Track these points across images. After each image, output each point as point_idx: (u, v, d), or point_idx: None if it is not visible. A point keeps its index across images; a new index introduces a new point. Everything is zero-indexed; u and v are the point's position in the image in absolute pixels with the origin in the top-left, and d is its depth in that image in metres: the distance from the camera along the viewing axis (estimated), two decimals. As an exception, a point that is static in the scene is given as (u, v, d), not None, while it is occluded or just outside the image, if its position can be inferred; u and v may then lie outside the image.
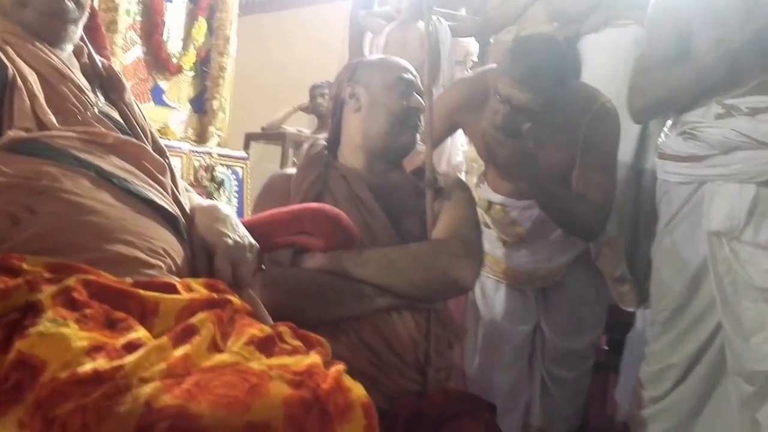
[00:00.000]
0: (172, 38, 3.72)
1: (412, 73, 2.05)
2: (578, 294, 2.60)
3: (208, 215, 1.49)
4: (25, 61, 1.39)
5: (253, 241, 1.50)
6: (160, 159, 1.49)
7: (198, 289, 1.25)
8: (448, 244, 1.90)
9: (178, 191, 1.50)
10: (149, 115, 1.66)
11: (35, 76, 1.39)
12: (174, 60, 3.70)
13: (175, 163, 1.58)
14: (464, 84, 2.65)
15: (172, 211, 1.41)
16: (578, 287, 2.60)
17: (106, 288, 1.12)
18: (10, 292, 1.05)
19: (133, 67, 3.50)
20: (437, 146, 2.56)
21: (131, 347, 1.02)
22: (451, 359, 2.01)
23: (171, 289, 1.21)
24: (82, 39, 1.58)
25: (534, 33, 2.80)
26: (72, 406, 0.91)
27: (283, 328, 1.26)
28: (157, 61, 3.63)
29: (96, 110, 1.46)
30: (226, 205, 1.58)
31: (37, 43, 1.44)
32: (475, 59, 4.19)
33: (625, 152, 2.60)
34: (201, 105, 3.84)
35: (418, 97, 2.03)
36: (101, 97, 1.52)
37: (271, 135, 5.63)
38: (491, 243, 2.56)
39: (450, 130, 2.62)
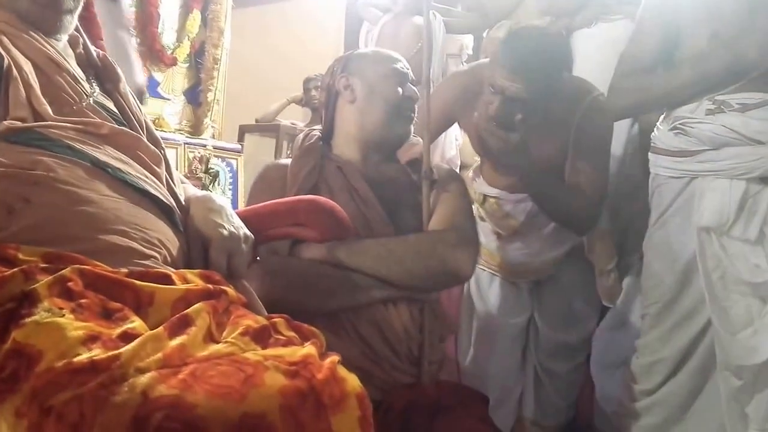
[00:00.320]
0: (167, 30, 3.70)
1: (405, 65, 2.06)
2: (572, 287, 2.62)
3: (203, 206, 1.49)
4: (20, 51, 1.39)
5: (248, 233, 1.50)
6: (155, 150, 1.49)
7: (193, 279, 1.25)
8: (445, 234, 1.91)
9: (173, 182, 1.50)
10: (143, 106, 1.65)
11: (30, 66, 1.38)
12: (168, 52, 3.69)
13: (170, 154, 1.58)
14: (459, 77, 2.66)
15: (168, 202, 1.41)
16: (572, 281, 2.61)
17: (101, 278, 1.12)
18: (6, 281, 1.05)
19: (127, 58, 3.48)
20: (434, 140, 2.57)
21: (127, 337, 1.02)
22: (443, 352, 2.02)
23: (166, 279, 1.21)
24: (77, 29, 1.58)
25: (527, 26, 2.81)
26: (68, 396, 0.91)
27: (278, 320, 1.26)
28: (152, 52, 3.61)
29: (91, 100, 1.46)
30: (220, 196, 1.57)
31: (33, 33, 1.44)
32: (470, 52, 4.19)
33: (617, 146, 2.61)
34: (195, 97, 3.82)
35: (413, 86, 2.03)
36: (96, 88, 1.52)
37: (266, 127, 5.61)
38: (486, 236, 2.57)
39: (446, 124, 2.63)
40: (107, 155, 1.36)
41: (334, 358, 1.14)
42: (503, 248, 2.60)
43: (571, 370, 2.65)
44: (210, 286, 1.25)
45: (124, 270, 1.19)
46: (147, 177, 1.41)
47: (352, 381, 1.11)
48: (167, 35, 3.70)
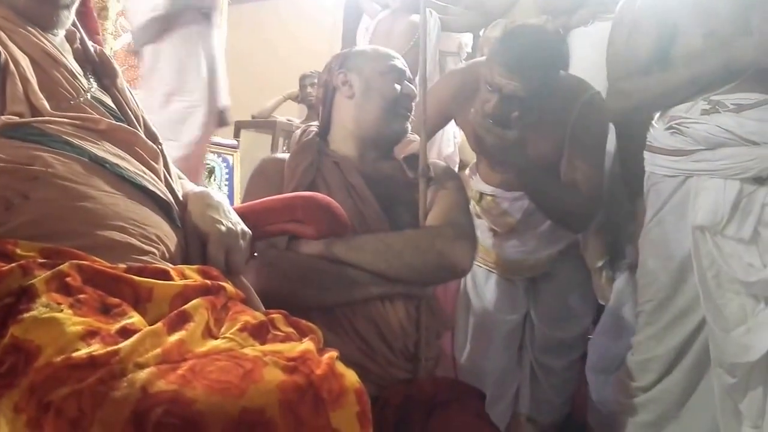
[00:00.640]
0: (163, 26, 3.68)
1: (402, 62, 2.07)
2: (567, 284, 2.63)
3: (200, 202, 1.49)
4: (17, 46, 1.38)
5: (246, 228, 1.50)
6: (153, 145, 1.48)
7: (192, 275, 1.25)
8: (443, 229, 1.92)
9: (170, 178, 1.50)
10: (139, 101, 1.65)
11: (28, 60, 1.38)
12: (164, 47, 3.67)
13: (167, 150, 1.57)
14: (456, 75, 2.66)
15: (165, 198, 1.41)
16: (567, 278, 2.62)
17: (99, 273, 1.12)
18: (4, 276, 1.05)
19: (124, 53, 3.48)
20: (431, 137, 2.57)
21: (126, 333, 1.02)
22: (439, 348, 2.02)
23: (164, 275, 1.21)
24: (74, 24, 1.57)
25: (523, 24, 2.81)
26: (67, 391, 0.91)
27: (276, 315, 1.26)
28: (147, 48, 3.60)
29: (89, 96, 1.45)
30: (218, 191, 1.57)
31: (30, 28, 1.43)
32: (469, 50, 4.18)
33: (610, 143, 2.61)
34: (191, 92, 3.81)
35: (410, 84, 2.03)
36: (94, 83, 1.51)
37: (262, 123, 5.61)
38: (482, 233, 2.57)
39: (442, 122, 2.63)
40: (105, 151, 1.36)
41: (333, 353, 1.14)
42: (499, 245, 2.61)
43: (566, 367, 2.67)
44: (208, 281, 1.25)
45: (123, 265, 1.19)
46: (145, 173, 1.40)
47: (351, 376, 1.11)
48: (164, 31, 3.69)
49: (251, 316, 1.20)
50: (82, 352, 0.95)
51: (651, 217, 2.18)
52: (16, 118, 1.29)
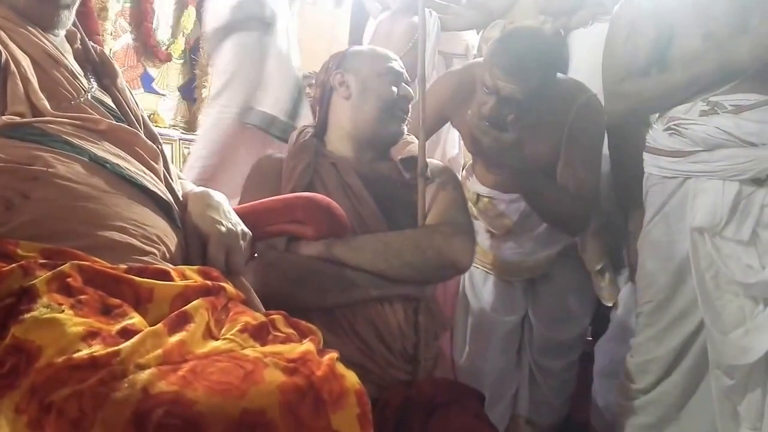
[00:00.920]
0: (162, 26, 3.71)
1: (400, 64, 2.07)
2: (565, 286, 2.63)
3: (200, 202, 1.49)
4: (18, 46, 1.38)
5: (246, 229, 1.50)
6: (153, 145, 1.48)
7: (192, 276, 1.25)
8: (441, 226, 1.92)
9: (170, 178, 1.50)
10: (139, 101, 1.65)
11: (28, 60, 1.38)
12: (163, 48, 3.69)
13: (165, 150, 1.57)
14: (452, 76, 2.66)
15: (166, 198, 1.41)
16: (566, 279, 2.62)
17: (100, 274, 1.12)
18: (5, 276, 1.04)
19: (123, 53, 3.49)
20: (428, 138, 2.57)
21: (126, 333, 1.02)
22: (438, 349, 2.02)
23: (165, 275, 1.21)
24: (74, 24, 1.57)
25: (521, 26, 2.81)
26: (68, 392, 0.91)
27: (276, 316, 1.26)
28: (147, 48, 3.62)
29: (89, 96, 1.45)
30: (218, 192, 1.57)
31: (30, 28, 1.43)
32: (476, 52, 4.18)
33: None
34: (190, 92, 3.84)
35: (407, 86, 2.03)
36: (94, 83, 1.51)
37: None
38: (479, 234, 2.57)
39: (439, 123, 2.63)
40: (105, 151, 1.36)
41: (333, 354, 1.14)
42: (496, 247, 2.61)
43: (565, 368, 2.66)
44: (208, 282, 1.25)
45: (123, 266, 1.19)
46: (145, 173, 1.40)
47: (351, 378, 1.11)
48: (162, 31, 3.71)
49: (251, 317, 1.20)
50: (83, 352, 0.95)
51: (650, 218, 2.18)
52: (17, 118, 1.29)
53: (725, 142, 1.98)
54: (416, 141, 2.07)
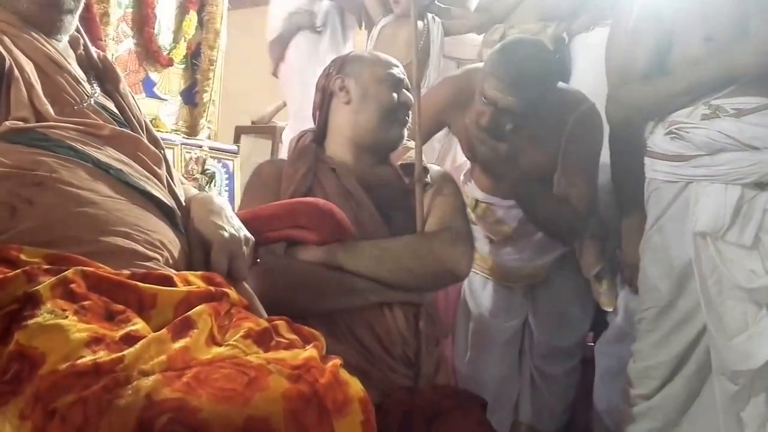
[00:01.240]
0: (163, 31, 3.69)
1: (401, 70, 2.06)
2: (565, 291, 2.62)
3: (203, 207, 1.49)
4: (21, 51, 1.39)
5: (249, 234, 1.50)
6: (156, 150, 1.48)
7: (195, 282, 1.25)
8: (440, 233, 1.92)
9: (173, 183, 1.50)
10: (141, 106, 1.65)
11: (32, 66, 1.38)
12: (165, 52, 3.68)
13: (167, 155, 1.57)
14: (450, 82, 2.65)
15: (169, 203, 1.41)
16: (565, 285, 2.62)
17: (104, 280, 1.12)
18: (8, 282, 1.04)
19: (125, 58, 3.48)
20: (425, 143, 2.57)
21: (130, 339, 1.02)
22: (439, 355, 2.02)
23: (168, 281, 1.21)
24: (77, 30, 1.57)
25: (521, 36, 2.81)
26: (72, 399, 0.91)
27: (279, 322, 1.26)
28: (148, 53, 3.60)
29: (92, 101, 1.46)
30: (220, 196, 1.57)
31: (34, 34, 1.44)
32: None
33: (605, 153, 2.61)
34: (191, 97, 3.81)
35: (408, 93, 2.03)
36: (97, 88, 1.52)
37: (261, 129, 5.60)
38: (478, 240, 2.57)
39: (436, 128, 2.63)
40: (109, 156, 1.36)
41: (336, 361, 1.14)
42: (495, 253, 2.61)
43: (565, 373, 2.66)
44: (212, 288, 1.25)
45: (127, 272, 1.19)
46: (148, 178, 1.40)
47: (355, 385, 1.11)
48: (164, 36, 3.69)
49: (254, 323, 1.20)
50: (87, 359, 0.95)
51: (652, 223, 2.17)
52: (21, 123, 1.29)
53: (727, 146, 1.98)
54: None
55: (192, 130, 3.77)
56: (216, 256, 1.41)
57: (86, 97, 1.45)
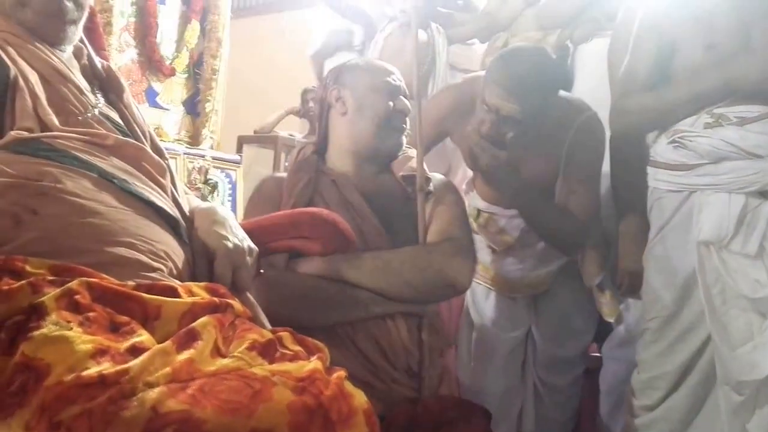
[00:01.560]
0: (166, 40, 3.70)
1: (397, 77, 2.05)
2: (568, 301, 2.61)
3: (207, 218, 1.49)
4: (26, 62, 1.39)
5: (252, 245, 1.50)
6: (160, 161, 1.49)
7: (199, 293, 1.25)
8: (441, 245, 1.92)
9: (177, 193, 1.50)
10: (144, 116, 1.65)
11: (36, 76, 1.39)
12: (167, 62, 3.69)
13: (170, 165, 1.57)
14: (452, 90, 2.65)
15: (173, 214, 1.41)
16: (568, 295, 2.61)
17: (109, 291, 1.12)
18: (14, 294, 1.04)
19: (127, 68, 3.49)
20: (427, 152, 2.56)
21: (135, 351, 1.02)
22: (443, 365, 2.01)
23: (173, 292, 1.20)
24: (81, 40, 1.58)
25: (522, 44, 2.81)
26: (78, 410, 0.91)
27: (284, 333, 1.26)
28: (151, 62, 3.61)
29: (96, 111, 1.46)
30: (224, 207, 1.57)
31: (38, 44, 1.44)
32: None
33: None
34: (194, 107, 3.82)
35: (405, 100, 2.03)
36: (101, 99, 1.52)
37: (264, 138, 5.61)
38: (480, 250, 2.56)
39: (439, 137, 2.62)
40: (113, 166, 1.36)
41: (341, 373, 1.14)
42: (497, 262, 2.60)
43: (569, 384, 2.65)
44: (216, 299, 1.25)
45: (131, 283, 1.19)
46: (152, 188, 1.40)
47: (360, 397, 1.11)
48: (166, 45, 3.71)
49: (259, 335, 1.19)
50: (92, 370, 0.95)
51: (655, 233, 2.17)
52: (26, 133, 1.29)
53: (730, 154, 1.97)
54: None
55: (194, 139, 3.78)
56: (220, 266, 1.41)
57: (90, 108, 1.45)
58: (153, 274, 1.26)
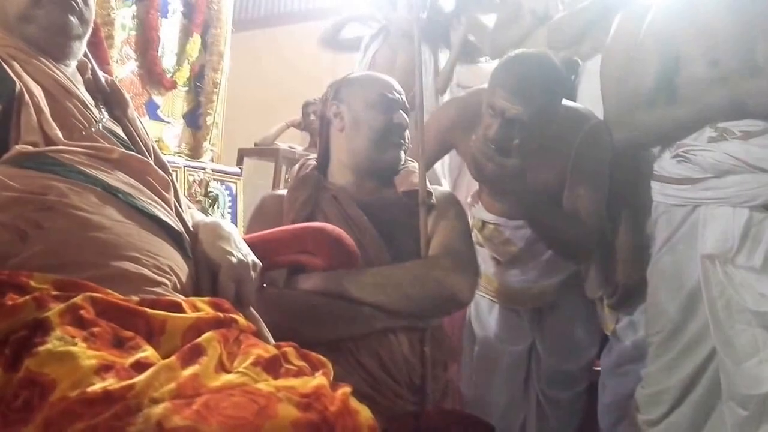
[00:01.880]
0: (167, 54, 3.71)
1: (396, 90, 2.05)
2: (572, 315, 2.61)
3: (211, 233, 1.49)
4: (31, 77, 1.40)
5: (256, 260, 1.51)
6: (164, 175, 1.49)
7: (203, 308, 1.25)
8: (442, 259, 1.91)
9: (181, 208, 1.50)
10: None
11: (41, 91, 1.39)
12: (168, 75, 3.69)
13: (171, 178, 1.58)
14: (457, 103, 2.65)
15: (177, 228, 1.41)
16: (572, 308, 2.60)
17: (113, 306, 1.12)
18: (18, 309, 1.04)
19: (128, 81, 3.49)
20: (430, 166, 2.56)
21: (140, 366, 1.02)
22: (446, 379, 2.01)
23: (177, 307, 1.20)
24: (86, 55, 1.58)
25: (526, 50, 2.81)
26: (83, 427, 0.90)
27: (288, 349, 1.26)
28: (152, 75, 3.61)
29: (100, 126, 1.46)
30: (228, 222, 1.57)
31: (42, 59, 1.45)
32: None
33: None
34: (195, 120, 3.82)
35: (403, 113, 2.02)
36: (105, 113, 1.52)
37: (264, 151, 5.62)
38: (484, 262, 2.56)
39: (443, 150, 2.62)
40: (118, 180, 1.36)
41: (346, 389, 1.14)
42: (501, 274, 2.59)
43: (572, 399, 2.63)
44: (220, 314, 1.24)
45: (136, 298, 1.18)
46: (157, 202, 1.40)
47: (365, 413, 1.10)
48: (167, 59, 3.71)
49: (263, 350, 1.19)
50: (97, 386, 0.94)
51: (660, 247, 2.16)
52: (30, 148, 1.29)
53: (735, 168, 1.97)
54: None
55: (195, 152, 3.77)
56: (224, 280, 1.41)
57: (94, 122, 1.45)
58: (157, 289, 1.26)
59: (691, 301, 2.06)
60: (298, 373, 1.17)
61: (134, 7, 3.50)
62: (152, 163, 1.49)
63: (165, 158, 1.60)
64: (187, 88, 3.83)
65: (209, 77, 3.85)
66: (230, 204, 3.71)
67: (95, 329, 1.05)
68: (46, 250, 1.19)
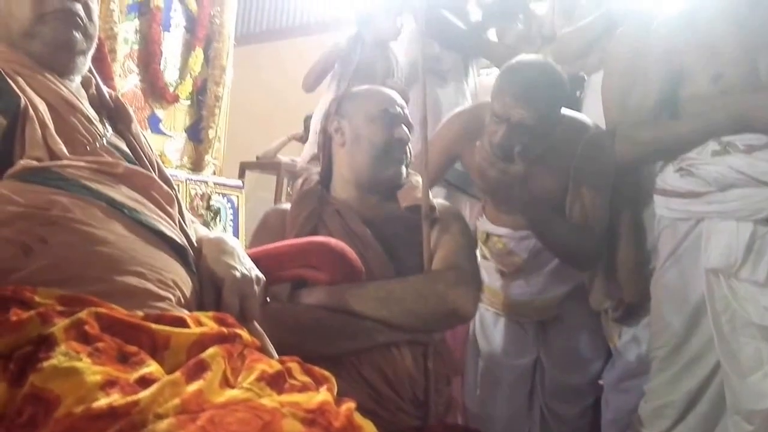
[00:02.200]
0: (169, 67, 3.72)
1: (398, 104, 2.05)
2: (577, 328, 2.60)
3: (215, 247, 1.49)
4: (35, 92, 1.40)
5: (260, 274, 1.50)
6: (168, 190, 1.49)
7: (208, 323, 1.24)
8: (444, 273, 1.91)
9: (184, 222, 1.50)
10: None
11: (45, 106, 1.39)
12: (171, 89, 3.71)
13: (173, 191, 1.58)
14: (460, 115, 2.66)
15: (181, 243, 1.41)
16: (577, 322, 2.60)
17: (117, 321, 1.11)
18: (23, 324, 1.04)
19: (131, 95, 3.50)
20: (435, 181, 2.56)
21: (144, 382, 1.01)
22: (449, 393, 2.00)
23: (181, 323, 1.20)
24: (90, 70, 1.59)
25: (527, 57, 2.82)
26: (87, 443, 0.90)
27: (292, 364, 1.25)
28: (154, 89, 3.63)
29: (104, 141, 1.46)
30: (232, 237, 1.58)
31: (47, 74, 1.45)
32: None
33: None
34: (197, 134, 3.83)
35: (405, 128, 2.03)
36: (109, 128, 1.53)
37: (266, 164, 5.63)
38: (489, 275, 2.56)
39: (448, 162, 2.63)
40: (123, 195, 1.36)
41: (350, 404, 1.13)
42: (506, 286, 2.59)
43: (578, 415, 2.61)
44: (224, 329, 1.24)
45: (140, 313, 1.18)
46: (161, 217, 1.40)
47: (369, 428, 1.09)
48: (170, 72, 3.73)
49: (268, 365, 1.19)
50: (102, 402, 0.94)
51: (663, 260, 2.17)
52: (35, 162, 1.29)
53: (738, 181, 1.98)
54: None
55: (197, 166, 3.78)
56: (228, 295, 1.41)
57: (99, 137, 1.45)
58: (161, 304, 1.25)
59: (695, 315, 2.06)
60: (303, 389, 1.16)
61: (137, 21, 3.52)
62: (156, 177, 1.49)
63: (168, 172, 1.60)
64: (189, 102, 3.84)
65: (211, 91, 3.86)
66: (232, 217, 3.71)
67: (100, 344, 1.05)
68: (50, 265, 1.19)
